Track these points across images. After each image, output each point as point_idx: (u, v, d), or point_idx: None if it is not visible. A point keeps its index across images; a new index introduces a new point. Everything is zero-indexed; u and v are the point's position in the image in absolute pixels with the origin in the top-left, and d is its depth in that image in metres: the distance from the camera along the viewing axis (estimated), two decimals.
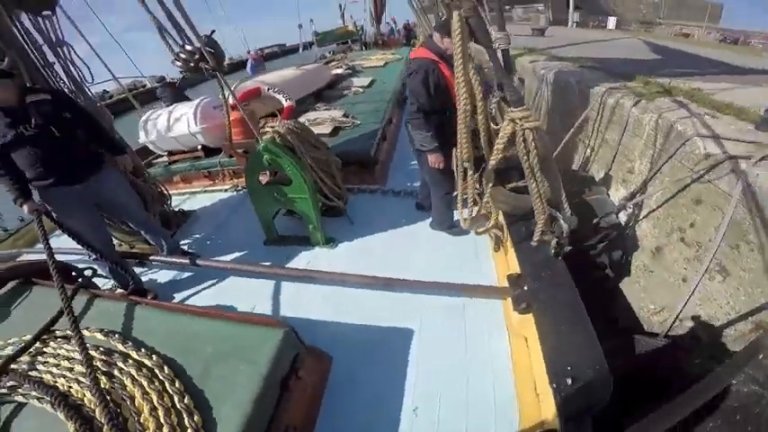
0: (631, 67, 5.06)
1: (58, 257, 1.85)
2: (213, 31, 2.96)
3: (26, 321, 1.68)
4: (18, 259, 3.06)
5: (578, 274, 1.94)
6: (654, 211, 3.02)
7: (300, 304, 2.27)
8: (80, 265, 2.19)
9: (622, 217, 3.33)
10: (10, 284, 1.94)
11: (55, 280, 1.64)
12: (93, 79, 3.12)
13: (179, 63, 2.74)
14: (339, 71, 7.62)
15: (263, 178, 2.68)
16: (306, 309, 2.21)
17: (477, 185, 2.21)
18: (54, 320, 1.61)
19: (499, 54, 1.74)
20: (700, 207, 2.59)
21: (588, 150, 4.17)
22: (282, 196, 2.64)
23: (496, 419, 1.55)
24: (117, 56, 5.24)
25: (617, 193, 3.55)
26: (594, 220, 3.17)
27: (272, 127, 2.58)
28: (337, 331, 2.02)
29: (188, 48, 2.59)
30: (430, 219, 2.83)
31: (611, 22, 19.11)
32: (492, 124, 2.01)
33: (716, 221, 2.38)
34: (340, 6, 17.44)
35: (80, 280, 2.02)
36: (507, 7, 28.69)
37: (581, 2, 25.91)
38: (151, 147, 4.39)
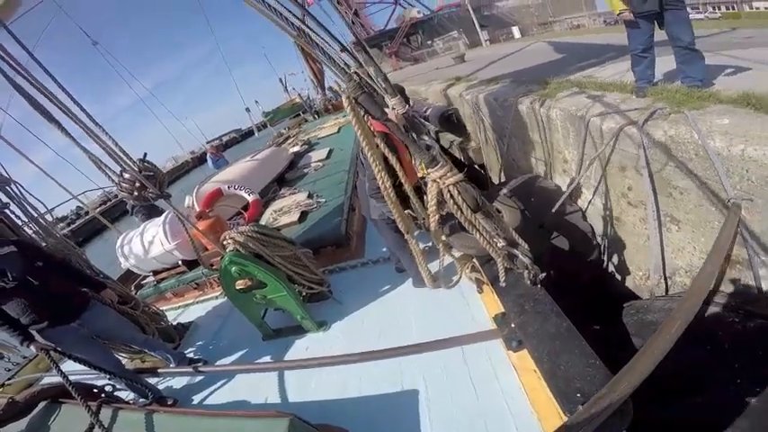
0: (540, 72, 5.63)
1: (81, 377, 2.00)
2: (146, 154, 2.94)
3: None
4: (42, 381, 3.21)
5: (561, 264, 1.83)
6: (597, 187, 3.31)
7: (308, 389, 2.32)
8: (100, 382, 2.36)
9: (574, 201, 3.62)
10: (41, 405, 2.07)
11: (78, 399, 1.78)
12: (52, 216, 3.18)
13: (124, 193, 2.81)
14: (296, 149, 7.85)
15: (240, 284, 2.65)
16: (314, 392, 2.27)
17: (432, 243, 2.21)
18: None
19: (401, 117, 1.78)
20: (626, 171, 2.87)
21: (526, 154, 4.55)
22: (263, 298, 2.66)
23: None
24: (75, 169, 5.05)
25: (563, 183, 3.85)
26: (553, 210, 3.39)
27: (231, 238, 2.56)
28: (347, 407, 2.05)
29: (126, 176, 2.61)
30: (411, 279, 2.82)
31: (516, 31, 20.53)
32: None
33: (644, 179, 2.63)
34: (281, 80, 17.97)
35: (102, 395, 2.19)
36: (429, 42, 30.78)
37: (485, 20, 28.00)
38: (135, 270, 4.38)
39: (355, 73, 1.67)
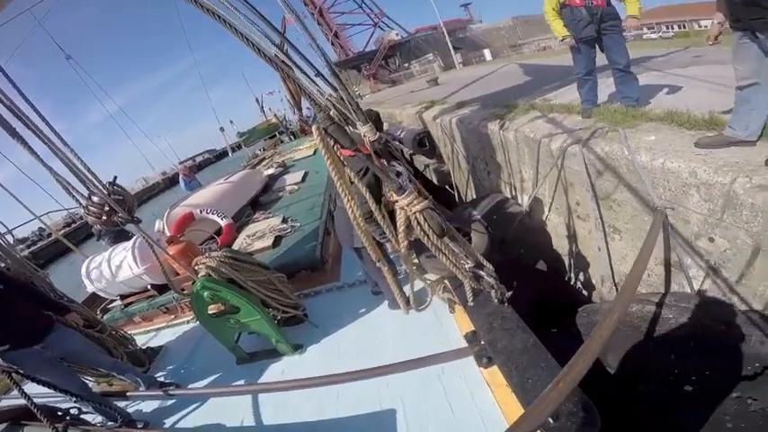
0: (506, 95, 6.11)
1: (45, 399, 1.96)
2: (116, 177, 2.98)
3: None
4: (0, 404, 3.11)
5: (522, 275, 1.98)
6: (551, 203, 3.61)
7: (284, 411, 2.33)
8: (65, 405, 2.31)
9: (533, 218, 3.91)
10: (0, 427, 2.02)
11: (43, 420, 1.74)
12: (13, 237, 3.14)
13: (91, 218, 2.79)
14: (271, 171, 7.92)
15: (213, 309, 2.68)
16: (290, 414, 2.28)
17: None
18: None
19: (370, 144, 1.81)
20: (574, 187, 3.18)
21: (490, 174, 4.90)
22: (236, 322, 2.68)
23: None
24: (40, 188, 4.67)
25: (523, 200, 4.15)
26: (512, 228, 3.66)
27: (203, 263, 2.58)
28: (325, 429, 2.08)
29: (95, 199, 2.63)
30: (386, 301, 2.90)
31: (487, 54, 21.73)
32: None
33: (589, 194, 2.93)
34: (257, 100, 18.13)
35: (67, 418, 2.16)
36: (406, 64, 32.13)
37: (459, 43, 29.58)
38: (101, 294, 4.33)
39: (328, 100, 1.75)
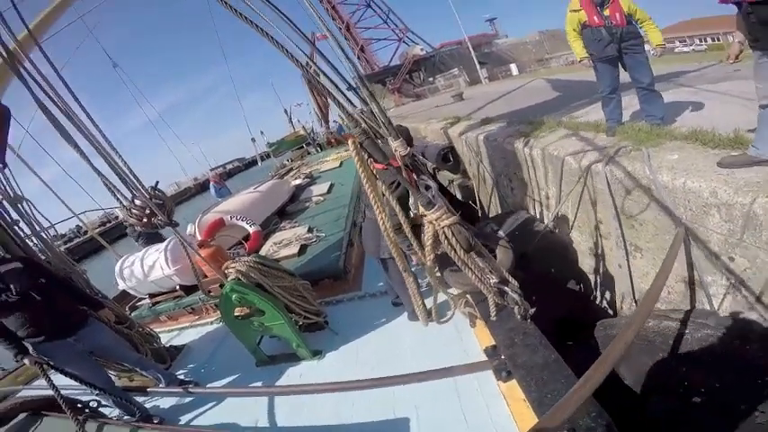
0: (531, 111, 6.14)
1: (66, 392, 2.05)
2: (158, 182, 3.21)
3: None
4: (19, 395, 3.28)
5: (546, 293, 2.06)
6: (574, 221, 3.67)
7: (299, 415, 2.38)
8: (85, 398, 2.43)
9: (556, 234, 3.98)
10: (21, 416, 2.15)
11: (66, 410, 1.82)
12: (56, 232, 3.35)
13: (132, 220, 3.00)
14: (298, 181, 8.26)
15: (239, 311, 2.77)
16: (305, 418, 2.33)
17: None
18: None
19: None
20: (597, 206, 3.25)
21: (514, 191, 4.99)
22: (260, 325, 2.78)
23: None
24: (79, 187, 5.09)
25: (545, 217, 4.20)
26: (533, 244, 3.74)
27: (234, 267, 2.71)
28: None
29: (137, 202, 2.80)
30: (406, 313, 2.94)
31: (514, 68, 21.77)
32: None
33: (611, 212, 2.99)
34: (286, 111, 18.83)
35: (87, 410, 2.26)
36: (431, 79, 32.63)
37: (484, 58, 29.78)
38: (132, 292, 4.61)
39: (360, 114, 1.80)
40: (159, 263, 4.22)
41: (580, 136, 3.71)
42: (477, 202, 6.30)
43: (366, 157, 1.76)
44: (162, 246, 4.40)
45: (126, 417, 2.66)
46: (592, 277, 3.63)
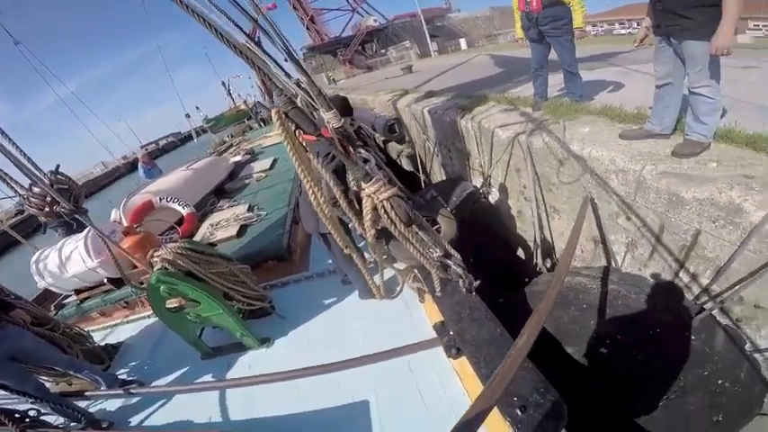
0: (473, 86, 6.41)
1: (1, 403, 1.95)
2: (58, 166, 2.86)
3: None
4: None
5: (477, 252, 2.14)
6: (502, 186, 4.01)
7: (253, 407, 2.33)
8: (22, 407, 2.30)
9: (488, 199, 4.37)
10: None
11: (7, 423, 1.76)
12: None
13: (33, 210, 2.70)
14: (238, 158, 7.86)
15: (172, 303, 2.65)
16: (260, 410, 2.29)
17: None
18: None
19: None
20: (521, 173, 3.55)
21: (452, 160, 5.32)
22: (197, 317, 2.64)
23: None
24: None
25: (478, 183, 4.54)
26: (468, 208, 4.05)
27: (159, 256, 2.52)
28: (296, 424, 2.10)
29: (36, 189, 2.53)
30: (357, 291, 2.93)
31: (463, 43, 22.10)
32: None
33: (532, 178, 3.30)
34: (224, 84, 17.68)
35: (27, 420, 2.15)
36: (383, 50, 32.09)
37: (436, 31, 29.86)
38: (53, 289, 4.23)
39: (296, 85, 1.72)
40: (79, 255, 3.86)
41: (510, 110, 4.00)
42: (421, 171, 6.53)
43: (293, 127, 1.69)
44: (81, 235, 4.00)
45: (72, 424, 2.52)
46: (518, 238, 4.03)
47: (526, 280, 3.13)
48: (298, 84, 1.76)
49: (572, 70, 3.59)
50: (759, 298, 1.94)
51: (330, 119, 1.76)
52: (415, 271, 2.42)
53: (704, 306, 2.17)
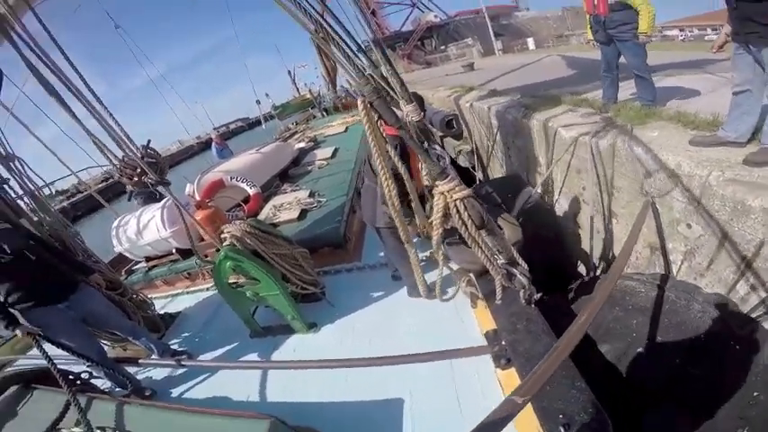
0: (539, 86, 6.49)
1: (58, 362, 2.13)
2: (149, 141, 3.28)
3: (31, 422, 1.94)
4: (15, 364, 3.33)
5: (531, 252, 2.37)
6: (561, 187, 4.09)
7: (291, 390, 2.44)
8: (77, 369, 2.48)
9: (544, 199, 4.46)
10: (11, 389, 2.20)
11: (62, 384, 1.90)
12: (51, 190, 3.41)
13: (124, 178, 3.10)
14: (302, 145, 8.44)
15: (233, 279, 2.78)
16: (297, 394, 2.39)
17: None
18: (58, 419, 1.85)
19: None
20: (581, 174, 3.62)
21: (510, 158, 5.42)
22: (254, 295, 2.79)
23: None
24: (82, 145, 5.27)
25: (536, 182, 4.60)
26: (519, 208, 4.14)
27: (229, 232, 2.68)
28: (330, 412, 2.18)
29: (127, 160, 2.87)
30: (405, 288, 2.98)
31: (531, 43, 21.46)
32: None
33: (593, 180, 3.38)
34: (289, 73, 18.80)
35: (78, 383, 2.34)
36: (443, 47, 32.06)
37: (502, 29, 29.19)
38: (128, 255, 4.65)
39: (370, 75, 1.71)
40: (155, 224, 4.21)
41: (576, 111, 4.07)
42: (478, 168, 6.63)
43: (376, 118, 1.68)
44: (158, 205, 4.39)
45: (117, 389, 2.71)
46: (572, 240, 4.09)
47: (573, 282, 3.19)
48: (373, 73, 1.77)
49: (642, 74, 3.61)
50: None
51: (410, 112, 1.77)
52: (471, 275, 2.41)
53: (757, 318, 2.18)
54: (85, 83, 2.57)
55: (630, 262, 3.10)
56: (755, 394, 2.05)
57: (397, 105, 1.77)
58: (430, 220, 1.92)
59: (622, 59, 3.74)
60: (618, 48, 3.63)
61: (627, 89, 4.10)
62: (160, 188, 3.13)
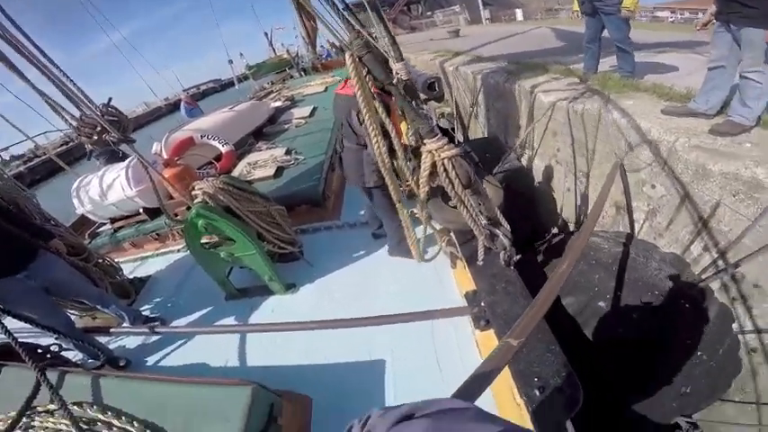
0: (524, 55, 6.43)
1: (23, 335, 2.04)
2: (110, 99, 3.10)
3: (3, 401, 1.85)
4: None
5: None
6: (537, 148, 4.29)
7: (271, 354, 2.41)
8: (45, 341, 2.37)
9: (521, 159, 4.69)
10: None
11: (27, 361, 1.76)
12: (3, 156, 3.28)
13: (82, 137, 2.92)
14: (278, 104, 8.12)
15: (206, 239, 2.70)
16: (277, 357, 2.36)
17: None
18: (32, 397, 1.76)
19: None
20: (557, 136, 3.81)
21: (489, 120, 5.62)
22: (229, 255, 2.70)
23: None
24: (39, 110, 5.09)
25: (514, 143, 4.79)
26: (496, 168, 4.36)
27: (201, 189, 2.56)
28: (313, 373, 2.18)
29: (86, 119, 2.73)
30: (387, 246, 2.99)
31: (519, 14, 21.17)
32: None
33: (567, 142, 3.55)
34: (266, 35, 17.83)
35: (48, 356, 2.25)
36: (429, 13, 31.13)
37: (491, 0, 28.54)
38: (91, 216, 4.40)
39: (359, 30, 1.68)
40: (120, 183, 3.98)
41: (558, 78, 4.20)
42: (457, 129, 6.72)
43: (365, 73, 1.63)
44: (123, 164, 4.15)
45: (90, 360, 2.58)
46: (545, 200, 4.34)
47: (546, 239, 3.37)
48: (358, 35, 1.71)
49: (623, 47, 3.72)
50: (759, 277, 2.15)
51: (400, 70, 1.75)
52: (452, 235, 2.47)
53: (707, 278, 2.41)
54: (36, 45, 2.41)
55: (598, 221, 3.29)
56: (699, 353, 2.30)
57: (385, 62, 1.73)
58: (415, 179, 1.94)
59: (606, 33, 3.84)
60: (602, 20, 3.71)
61: (608, 62, 4.22)
62: (123, 146, 2.97)
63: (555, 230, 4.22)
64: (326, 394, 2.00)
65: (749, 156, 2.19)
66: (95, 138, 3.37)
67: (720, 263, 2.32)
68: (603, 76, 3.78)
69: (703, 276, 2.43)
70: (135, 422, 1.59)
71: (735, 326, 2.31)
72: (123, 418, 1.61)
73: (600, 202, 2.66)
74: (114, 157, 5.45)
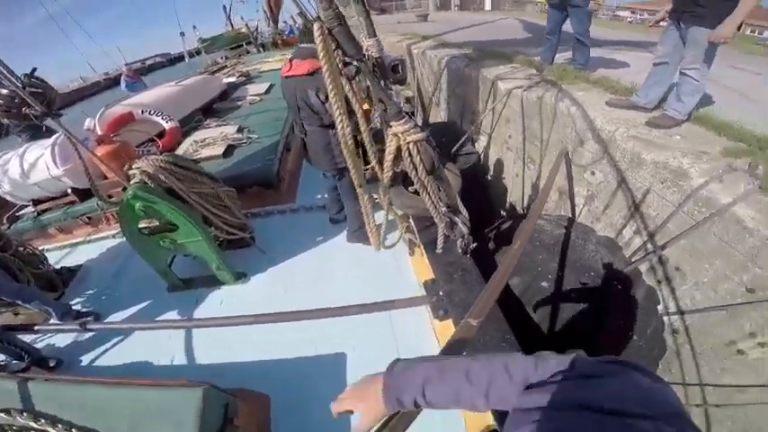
0: (489, 44, 6.47)
1: None
2: (34, 69, 2.78)
3: None
4: None
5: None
6: (490, 134, 4.45)
7: (222, 350, 2.27)
8: None
9: (475, 144, 4.87)
10: None
11: None
12: None
13: None
14: (231, 79, 7.67)
15: (145, 224, 2.49)
16: (228, 353, 2.24)
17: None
18: None
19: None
20: (509, 123, 3.99)
21: (449, 105, 5.73)
22: (171, 243, 2.50)
23: (444, 425, 1.63)
24: None
25: (470, 129, 4.90)
26: (454, 150, 4.44)
27: (138, 168, 2.34)
28: (266, 370, 2.08)
29: (3, 91, 2.47)
30: (346, 231, 2.90)
31: (487, 3, 21.55)
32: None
33: (519, 129, 3.71)
34: (224, 8, 16.81)
35: None
36: None
37: None
38: (9, 198, 3.97)
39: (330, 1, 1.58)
40: (44, 161, 3.62)
41: (516, 68, 4.35)
42: (417, 112, 6.86)
43: (334, 47, 1.54)
44: (48, 141, 3.79)
45: (14, 362, 2.37)
46: (494, 185, 4.55)
47: (495, 225, 3.49)
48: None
49: (583, 40, 3.89)
50: (680, 260, 2.36)
51: (371, 47, 1.71)
52: (411, 221, 2.45)
53: (636, 261, 2.61)
54: None
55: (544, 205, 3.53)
56: (630, 334, 2.47)
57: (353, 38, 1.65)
58: (379, 162, 1.89)
59: (566, 27, 3.98)
60: (568, 13, 3.84)
61: (564, 55, 4.39)
62: (48, 121, 2.68)
63: (504, 215, 4.42)
64: (284, 391, 1.93)
65: (678, 147, 2.39)
66: (14, 111, 3.02)
67: (649, 246, 2.51)
68: (558, 68, 3.95)
69: (633, 259, 2.63)
70: (73, 429, 1.45)
71: (660, 307, 2.51)
72: (60, 425, 1.47)
73: (546, 188, 2.79)
74: (39, 133, 4.99)
